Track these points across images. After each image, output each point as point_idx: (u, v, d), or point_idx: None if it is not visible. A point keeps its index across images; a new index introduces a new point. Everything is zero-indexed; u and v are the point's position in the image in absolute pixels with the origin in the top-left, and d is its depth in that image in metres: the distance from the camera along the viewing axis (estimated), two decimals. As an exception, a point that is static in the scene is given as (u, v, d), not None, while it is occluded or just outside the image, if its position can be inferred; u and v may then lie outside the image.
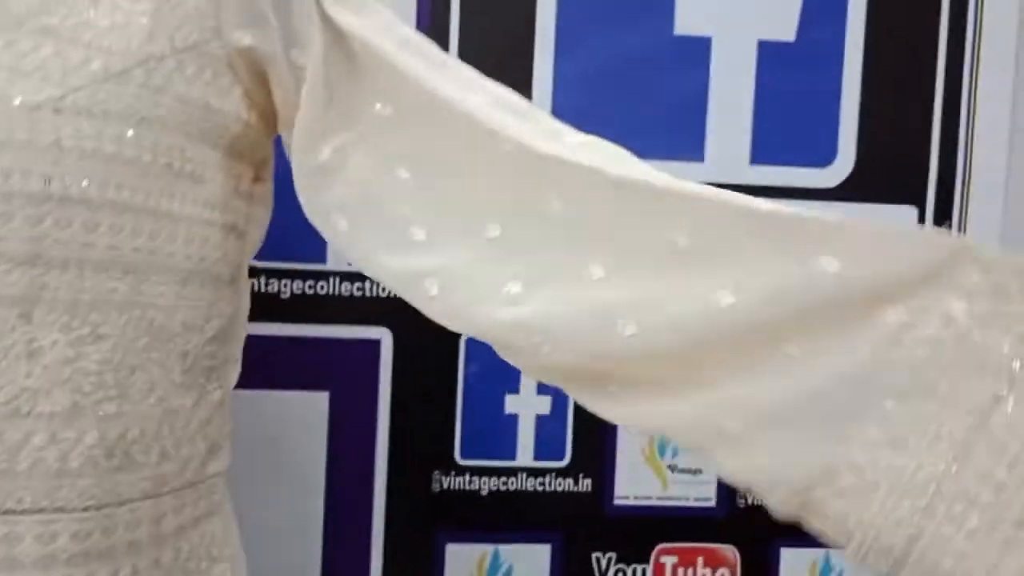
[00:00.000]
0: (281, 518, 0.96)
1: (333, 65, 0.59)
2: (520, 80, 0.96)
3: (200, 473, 0.59)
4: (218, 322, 0.60)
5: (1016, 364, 0.45)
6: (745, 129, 0.98)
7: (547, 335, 0.54)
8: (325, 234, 0.60)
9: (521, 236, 0.56)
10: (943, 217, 1.01)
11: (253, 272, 0.93)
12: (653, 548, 1.01)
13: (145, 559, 0.55)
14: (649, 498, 1.00)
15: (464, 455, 0.98)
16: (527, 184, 0.56)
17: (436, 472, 0.98)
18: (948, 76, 1.00)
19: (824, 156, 0.99)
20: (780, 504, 0.50)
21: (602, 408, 0.56)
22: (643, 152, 0.96)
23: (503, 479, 0.98)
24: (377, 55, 0.58)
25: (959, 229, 1.01)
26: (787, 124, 0.99)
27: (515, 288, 0.55)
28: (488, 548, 0.99)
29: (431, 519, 0.98)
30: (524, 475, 0.98)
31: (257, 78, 0.59)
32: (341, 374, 0.96)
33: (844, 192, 1.00)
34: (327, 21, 0.58)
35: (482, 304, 0.56)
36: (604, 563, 1.00)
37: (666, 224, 0.51)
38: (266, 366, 0.95)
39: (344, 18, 0.58)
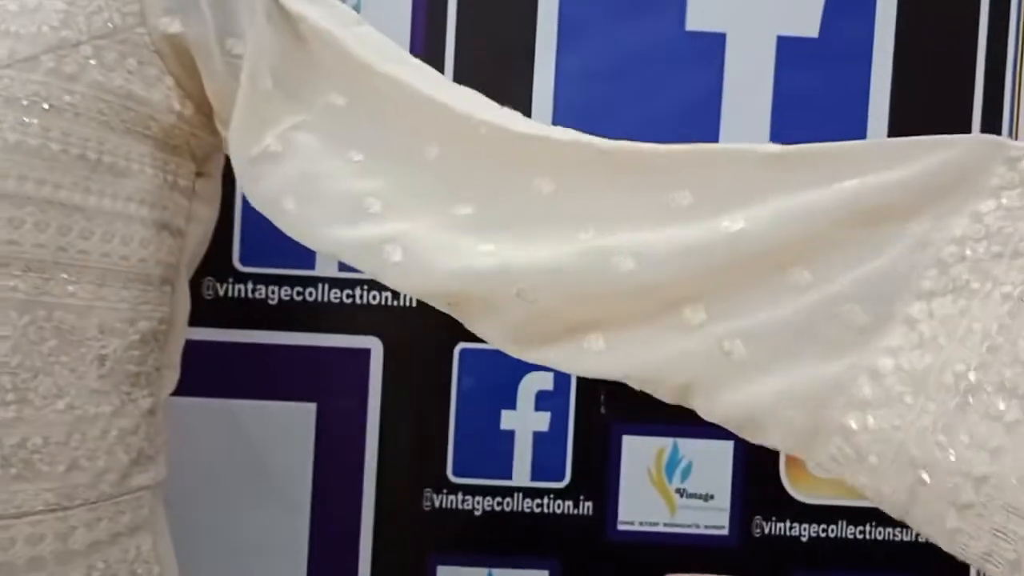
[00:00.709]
0: (264, 536, 0.92)
1: (281, 51, 0.56)
2: (520, 77, 0.91)
3: (121, 486, 0.56)
4: (147, 325, 0.57)
5: None
6: (762, 134, 0.91)
7: (532, 278, 0.50)
8: (274, 220, 0.56)
9: (497, 213, 0.53)
10: (983, 228, 0.93)
11: (239, 277, 0.90)
12: (660, 578, 0.94)
13: (48, 576, 0.51)
14: (656, 524, 0.93)
15: (457, 473, 0.93)
16: (504, 164, 0.53)
17: (427, 490, 0.93)
18: (989, 74, 0.92)
19: (850, 161, 0.92)
20: (787, 429, 0.46)
21: (582, 366, 0.52)
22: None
23: (498, 499, 0.93)
24: (331, 42, 0.55)
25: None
26: (809, 128, 0.91)
27: (491, 247, 0.52)
28: (481, 572, 0.93)
29: (421, 540, 0.93)
30: (520, 496, 0.93)
31: (190, 68, 0.56)
32: (329, 385, 0.92)
33: (872, 200, 0.92)
34: (275, 5, 0.55)
35: (451, 260, 0.52)
36: (605, 592, 0.94)
37: (665, 185, 0.49)
38: (250, 375, 0.91)
39: (295, 5, 0.55)
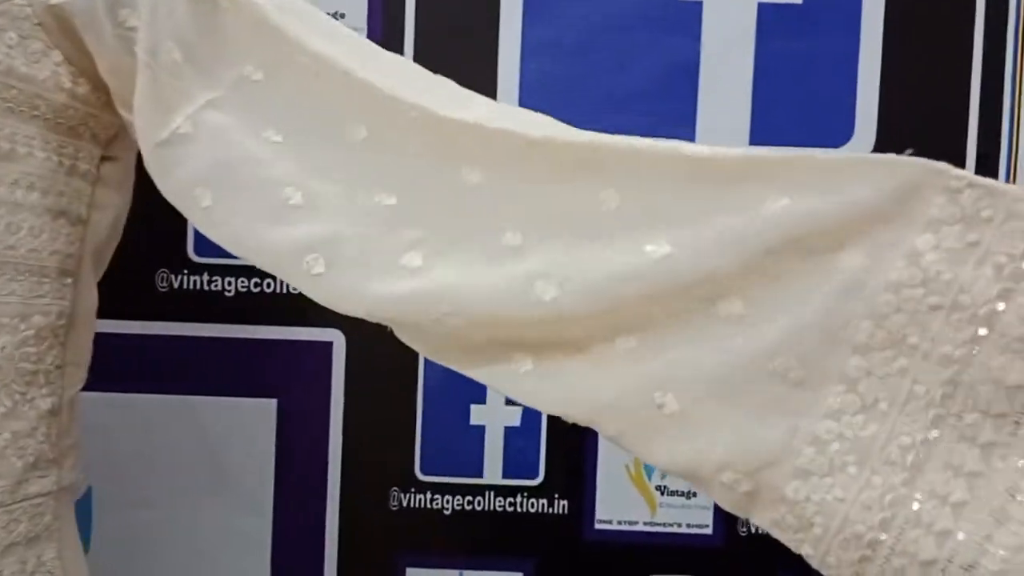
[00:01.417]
0: (226, 536, 0.89)
1: (191, 19, 0.51)
2: (484, 47, 0.86)
3: (15, 493, 0.52)
4: (42, 320, 0.53)
5: (998, 305, 0.39)
6: (743, 104, 0.86)
7: (453, 304, 0.47)
8: (189, 216, 0.52)
9: (422, 205, 0.49)
10: (984, 204, 0.86)
11: (194, 269, 0.86)
12: (641, 580, 0.89)
13: (-69, 591, 0.48)
14: (635, 523, 0.89)
15: (425, 471, 0.89)
16: (433, 151, 0.49)
17: (394, 489, 0.89)
18: (988, 41, 0.85)
19: (838, 135, 0.86)
20: (727, 492, 0.44)
21: (513, 386, 0.48)
22: (624, 131, 0.86)
23: (468, 498, 0.89)
24: (248, 9, 0.51)
25: (1004, 218, 0.86)
26: (793, 98, 0.86)
27: (414, 260, 0.48)
28: (452, 574, 0.89)
29: (389, 540, 0.89)
30: (492, 494, 0.89)
31: (79, 42, 0.51)
32: (290, 380, 0.88)
33: (863, 176, 0.86)
34: None
35: (374, 280, 0.48)
36: (583, 594, 0.90)
37: (592, 184, 0.46)
38: (208, 371, 0.87)
39: None
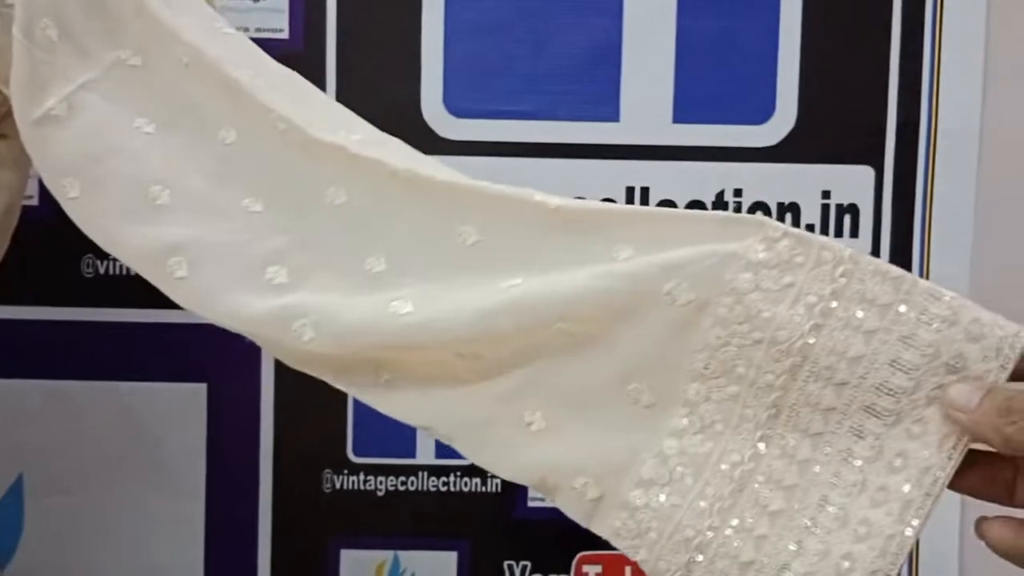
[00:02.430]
0: (157, 523, 0.88)
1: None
2: (407, 29, 0.86)
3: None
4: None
5: (809, 339, 0.44)
6: (666, 83, 0.86)
7: (311, 319, 0.48)
8: (61, 203, 0.52)
9: (288, 216, 0.51)
10: (906, 178, 0.87)
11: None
12: (574, 556, 0.90)
13: None
14: (568, 500, 0.89)
15: (357, 452, 0.89)
16: (300, 167, 0.50)
17: (327, 471, 0.89)
18: (907, 10, 0.86)
19: (760, 111, 0.87)
20: (576, 498, 0.47)
21: (380, 401, 0.51)
22: (549, 112, 0.87)
23: (401, 479, 0.89)
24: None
25: (925, 192, 0.87)
26: (715, 75, 0.86)
27: (279, 275, 0.50)
28: (387, 555, 0.89)
29: (323, 523, 0.89)
30: (425, 474, 0.89)
31: None
32: (219, 364, 0.88)
33: (785, 152, 0.87)
34: None
35: (236, 291, 0.50)
36: (518, 572, 0.90)
37: (451, 218, 0.49)
38: (136, 355, 0.87)
39: None
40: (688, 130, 0.86)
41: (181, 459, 0.88)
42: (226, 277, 0.50)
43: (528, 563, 0.90)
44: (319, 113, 0.52)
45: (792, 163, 0.87)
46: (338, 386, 0.51)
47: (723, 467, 0.46)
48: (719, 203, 0.87)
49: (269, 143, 0.50)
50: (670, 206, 0.87)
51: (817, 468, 0.45)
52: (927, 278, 0.87)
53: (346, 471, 0.89)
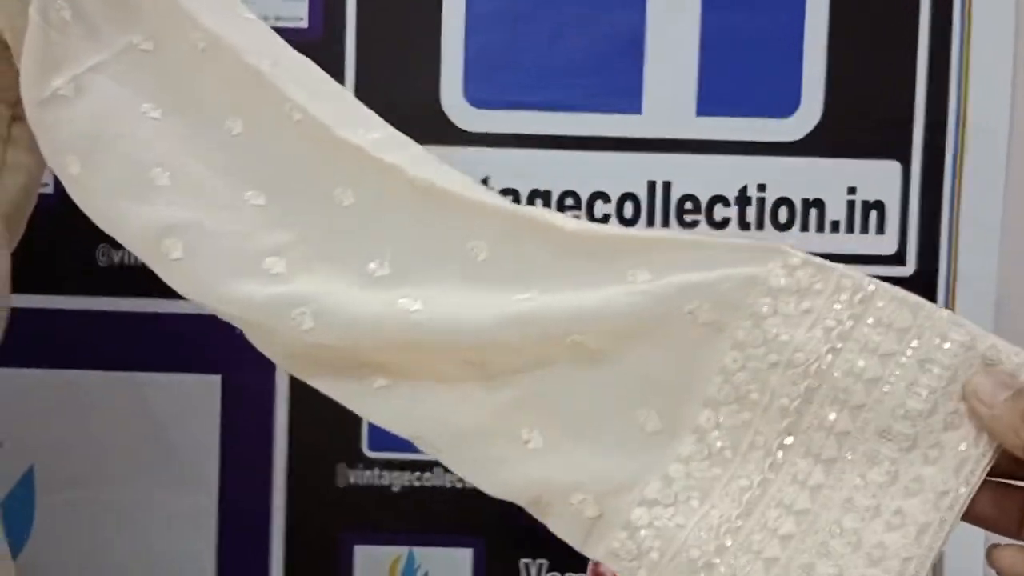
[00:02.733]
0: (170, 516, 0.87)
1: None
2: (427, 18, 0.85)
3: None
4: (-54, 283, 0.52)
5: (824, 363, 0.44)
6: (690, 74, 0.85)
7: (311, 308, 0.47)
8: (62, 181, 0.51)
9: (292, 213, 0.49)
10: (934, 172, 0.86)
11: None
12: (590, 555, 0.88)
13: None
14: (585, 498, 0.88)
15: (372, 447, 0.87)
16: (310, 162, 0.49)
17: (341, 465, 0.88)
18: (935, 2, 0.85)
19: (785, 105, 0.85)
20: (572, 515, 0.46)
21: (362, 403, 0.50)
22: (570, 104, 0.86)
23: (417, 474, 0.88)
24: None
25: (953, 188, 0.86)
26: (739, 68, 0.85)
27: (277, 266, 0.48)
28: (401, 551, 0.88)
29: (337, 518, 0.88)
30: (441, 470, 0.88)
31: None
32: (234, 355, 0.86)
33: (811, 146, 0.86)
34: None
35: (231, 277, 0.48)
36: (534, 571, 0.89)
37: (463, 232, 0.48)
38: (150, 346, 0.86)
39: None
40: (712, 123, 0.85)
41: (194, 451, 0.87)
42: (222, 263, 0.48)
43: (545, 561, 0.88)
44: (337, 106, 0.51)
45: (817, 157, 0.85)
46: (324, 391, 0.50)
47: (731, 491, 0.45)
48: (742, 198, 0.85)
49: (281, 134, 0.49)
50: (692, 201, 0.85)
51: (830, 493, 0.44)
52: (954, 275, 0.88)
53: (361, 466, 0.88)
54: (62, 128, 0.50)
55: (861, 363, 0.43)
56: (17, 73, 0.53)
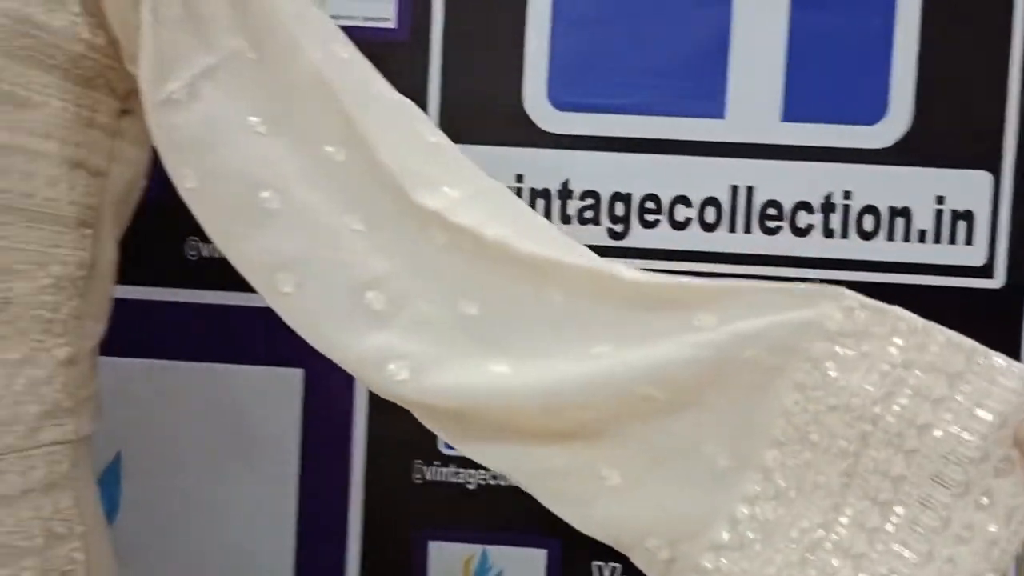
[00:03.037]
0: (249, 507, 0.89)
1: None
2: (513, 22, 0.85)
3: (30, 439, 0.52)
4: (60, 269, 0.53)
5: (877, 408, 0.45)
6: (775, 79, 0.84)
7: (408, 363, 0.50)
8: (179, 192, 0.53)
9: (389, 243, 0.52)
10: (1025, 183, 0.84)
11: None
12: (664, 560, 0.88)
13: (-54, 529, 0.48)
14: (661, 503, 0.87)
15: (449, 444, 0.88)
16: (403, 208, 0.51)
17: (418, 462, 0.89)
18: (1030, 13, 0.83)
19: (873, 111, 0.84)
20: (648, 557, 0.49)
21: (464, 447, 0.54)
22: (653, 107, 0.85)
23: (492, 473, 0.88)
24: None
25: (1045, 198, 0.84)
26: (827, 72, 0.84)
27: (377, 302, 0.51)
28: (475, 549, 0.89)
29: (412, 514, 0.89)
30: (516, 470, 0.88)
31: None
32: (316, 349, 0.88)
33: (898, 155, 0.84)
34: None
35: (336, 321, 0.51)
36: (607, 574, 0.88)
37: (540, 284, 0.50)
38: (235, 339, 0.88)
39: None
40: (797, 129, 0.84)
41: (275, 444, 0.89)
42: (328, 301, 0.51)
43: (618, 565, 0.88)
44: (422, 157, 0.53)
45: (905, 166, 0.84)
46: (425, 423, 0.54)
47: (793, 534, 0.47)
48: (827, 205, 0.84)
49: (373, 176, 0.51)
50: (775, 207, 0.85)
51: (886, 537, 0.45)
52: (1043, 287, 0.86)
53: (437, 463, 0.89)
54: (175, 133, 0.51)
55: (914, 408, 0.44)
56: (126, 69, 0.55)
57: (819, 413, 0.46)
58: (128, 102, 0.57)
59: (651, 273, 0.49)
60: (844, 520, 0.46)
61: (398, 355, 0.50)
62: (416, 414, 0.53)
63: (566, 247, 0.52)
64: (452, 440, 0.53)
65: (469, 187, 0.53)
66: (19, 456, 0.52)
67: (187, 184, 0.52)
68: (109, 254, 0.58)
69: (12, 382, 0.51)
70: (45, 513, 0.53)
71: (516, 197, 0.55)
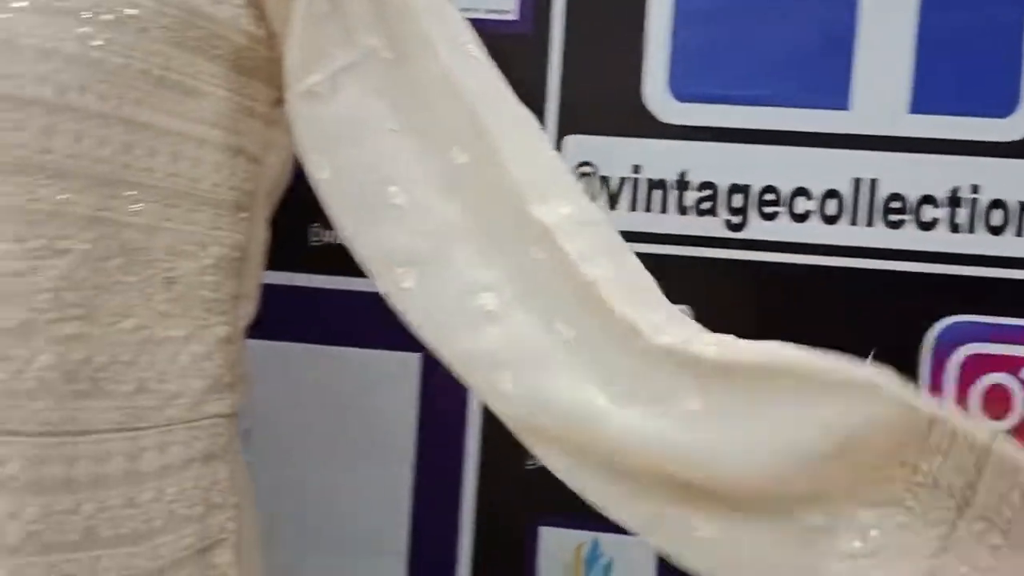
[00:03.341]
0: (366, 489, 0.91)
1: None
2: (634, 14, 0.86)
3: (194, 411, 0.55)
4: (219, 251, 0.55)
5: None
6: (903, 70, 0.83)
7: (512, 372, 0.52)
8: (311, 181, 0.56)
9: (499, 253, 0.53)
10: None
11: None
12: (777, 553, 0.88)
13: (116, 496, 0.51)
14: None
15: (563, 432, 0.89)
16: (513, 226, 0.53)
17: (532, 448, 0.90)
18: None
19: (1004, 104, 0.83)
20: None
21: (565, 472, 0.57)
22: (776, 98, 0.85)
23: (605, 461, 0.89)
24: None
25: None
26: (956, 63, 0.83)
27: (489, 303, 0.52)
28: (587, 536, 0.90)
29: (525, 499, 0.90)
30: (630, 458, 0.88)
31: None
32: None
33: (1028, 148, 0.83)
34: None
35: (450, 321, 0.53)
36: (717, 565, 0.88)
37: (676, 385, 0.50)
38: (353, 322, 0.90)
39: None
40: (924, 121, 0.83)
41: (392, 427, 0.91)
42: (444, 299, 0.53)
43: (728, 556, 0.88)
44: (541, 170, 0.54)
45: (1034, 160, 0.82)
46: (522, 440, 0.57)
47: None
48: (953, 199, 0.83)
49: (493, 181, 0.53)
50: (900, 200, 0.84)
51: None
52: None
53: (551, 449, 0.89)
54: (316, 124, 0.54)
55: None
56: (283, 62, 0.57)
57: (911, 486, 0.47)
58: (282, 92, 0.59)
59: (734, 347, 0.50)
60: None
61: (505, 365, 0.52)
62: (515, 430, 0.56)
63: (654, 305, 0.52)
64: (554, 469, 0.57)
65: (578, 210, 0.54)
66: (186, 427, 0.54)
67: (322, 175, 0.54)
68: (261, 237, 0.60)
69: (178, 358, 0.54)
70: (204, 483, 0.56)
71: (616, 232, 0.55)
